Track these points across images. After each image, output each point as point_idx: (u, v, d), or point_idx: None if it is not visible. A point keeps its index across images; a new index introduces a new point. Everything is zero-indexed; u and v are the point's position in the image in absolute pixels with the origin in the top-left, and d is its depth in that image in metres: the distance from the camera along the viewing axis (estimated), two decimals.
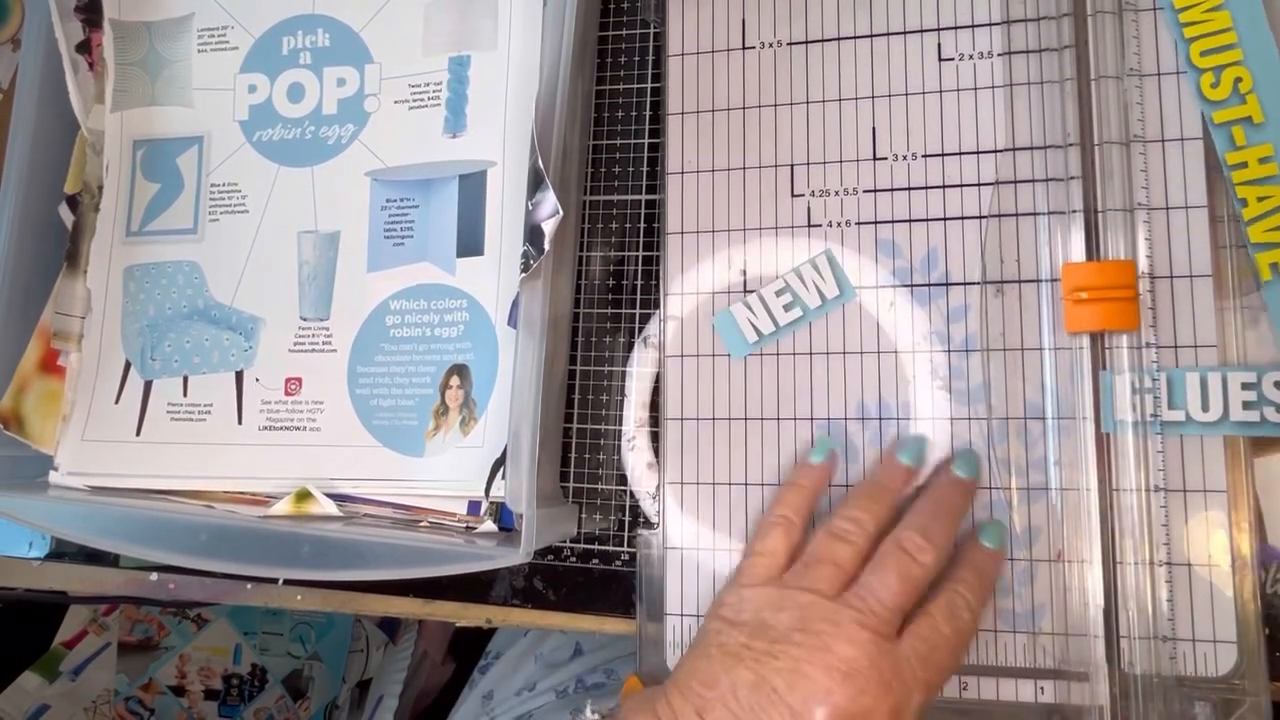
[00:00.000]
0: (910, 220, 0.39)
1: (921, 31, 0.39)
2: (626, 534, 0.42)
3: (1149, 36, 0.36)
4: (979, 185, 0.38)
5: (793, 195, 0.40)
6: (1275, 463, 0.35)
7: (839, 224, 0.39)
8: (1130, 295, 0.34)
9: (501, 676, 0.64)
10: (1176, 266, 0.35)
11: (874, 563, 0.33)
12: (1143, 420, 0.34)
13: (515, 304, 0.40)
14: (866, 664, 0.30)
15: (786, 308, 0.39)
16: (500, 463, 0.39)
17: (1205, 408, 0.34)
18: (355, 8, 0.46)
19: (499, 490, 0.39)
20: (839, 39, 0.40)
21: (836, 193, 0.39)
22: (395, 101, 0.45)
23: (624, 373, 0.42)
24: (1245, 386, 0.34)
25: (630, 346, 0.42)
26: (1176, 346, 0.35)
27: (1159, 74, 0.36)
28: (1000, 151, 0.38)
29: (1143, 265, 0.35)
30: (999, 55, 0.38)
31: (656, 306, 0.42)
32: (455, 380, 0.41)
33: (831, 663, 0.30)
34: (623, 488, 0.42)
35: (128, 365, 0.47)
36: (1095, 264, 0.35)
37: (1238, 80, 0.35)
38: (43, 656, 0.94)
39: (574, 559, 0.42)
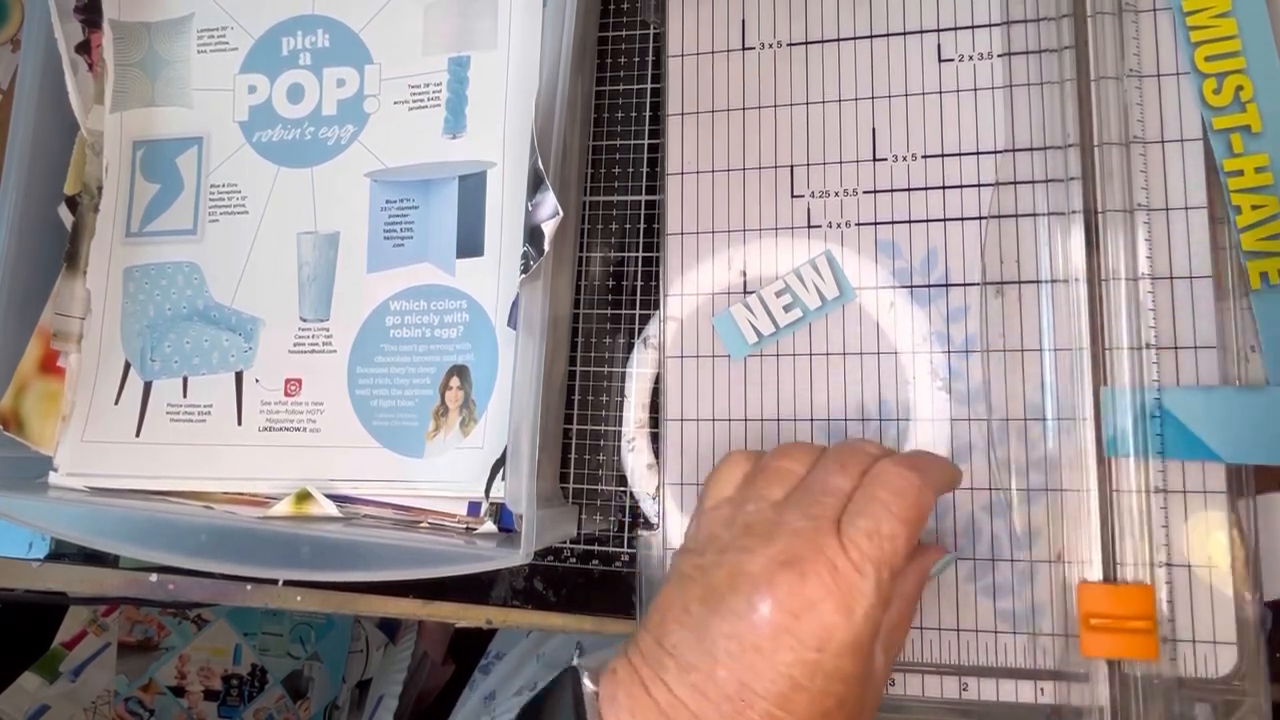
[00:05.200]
0: (910, 221, 0.38)
1: (921, 32, 0.39)
2: (626, 534, 0.42)
3: (1149, 37, 0.36)
4: (979, 186, 0.38)
5: (793, 196, 0.40)
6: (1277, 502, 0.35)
7: (839, 225, 0.39)
8: (1149, 628, 0.33)
9: (503, 677, 0.64)
10: (1176, 267, 0.35)
11: (817, 463, 0.32)
12: (1143, 422, 0.34)
13: (515, 305, 0.40)
14: (807, 548, 0.28)
15: (786, 308, 0.39)
16: (500, 464, 0.39)
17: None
18: (355, 8, 0.46)
19: (499, 491, 0.39)
20: (839, 39, 0.40)
21: (836, 194, 0.39)
22: (395, 102, 0.44)
23: (624, 373, 0.42)
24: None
25: (630, 347, 0.42)
26: (1176, 347, 0.35)
27: (1159, 75, 0.36)
28: (1000, 152, 0.38)
29: (1143, 265, 0.35)
30: (999, 56, 0.38)
31: (656, 307, 0.42)
32: (455, 381, 0.41)
33: (772, 554, 0.29)
34: (623, 488, 0.42)
35: (127, 366, 0.47)
36: (1112, 588, 0.34)
37: (1239, 88, 0.35)
38: (43, 657, 0.94)
39: (574, 560, 0.42)
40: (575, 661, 0.32)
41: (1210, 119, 0.35)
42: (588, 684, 0.30)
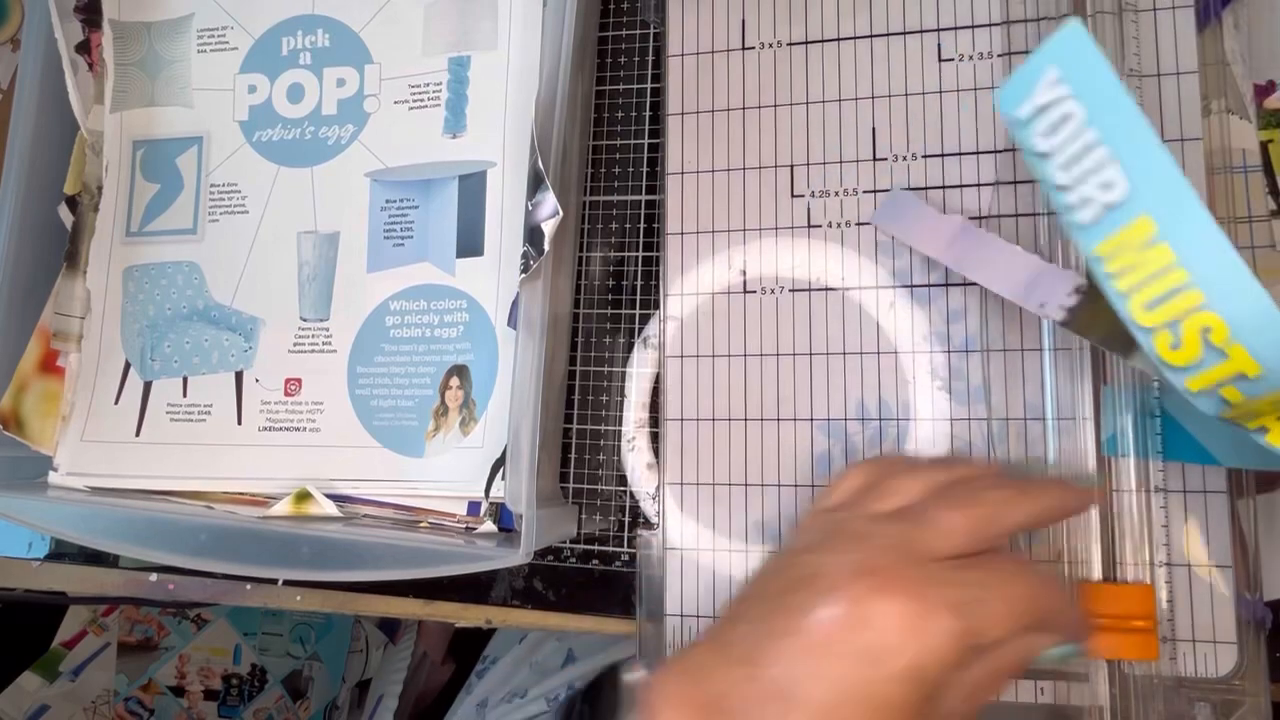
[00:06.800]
0: None
1: (921, 32, 0.39)
2: (626, 534, 0.42)
3: (1149, 37, 0.36)
4: (979, 186, 0.38)
5: (793, 195, 0.40)
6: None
7: (839, 224, 0.39)
8: (1149, 627, 0.33)
9: (495, 684, 0.65)
10: None
11: (937, 493, 0.29)
12: (1143, 424, 0.34)
13: (515, 304, 0.40)
14: (893, 564, 0.26)
15: None
16: (500, 463, 0.39)
17: None
18: (355, 8, 0.46)
19: (499, 491, 0.39)
20: (839, 39, 0.40)
21: (836, 193, 0.39)
22: (395, 102, 0.44)
23: (624, 373, 0.42)
24: None
25: (630, 346, 0.42)
26: None
27: (1159, 75, 0.36)
28: (1000, 152, 0.38)
29: None
30: (999, 56, 0.38)
31: (656, 306, 0.42)
32: (455, 381, 0.41)
33: (854, 559, 0.27)
34: (623, 488, 0.42)
35: (127, 366, 0.47)
36: (1112, 588, 0.34)
37: (1206, 330, 0.26)
38: (43, 657, 0.94)
39: (574, 559, 0.42)
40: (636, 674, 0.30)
41: (1183, 383, 0.26)
42: (636, 673, 0.29)
